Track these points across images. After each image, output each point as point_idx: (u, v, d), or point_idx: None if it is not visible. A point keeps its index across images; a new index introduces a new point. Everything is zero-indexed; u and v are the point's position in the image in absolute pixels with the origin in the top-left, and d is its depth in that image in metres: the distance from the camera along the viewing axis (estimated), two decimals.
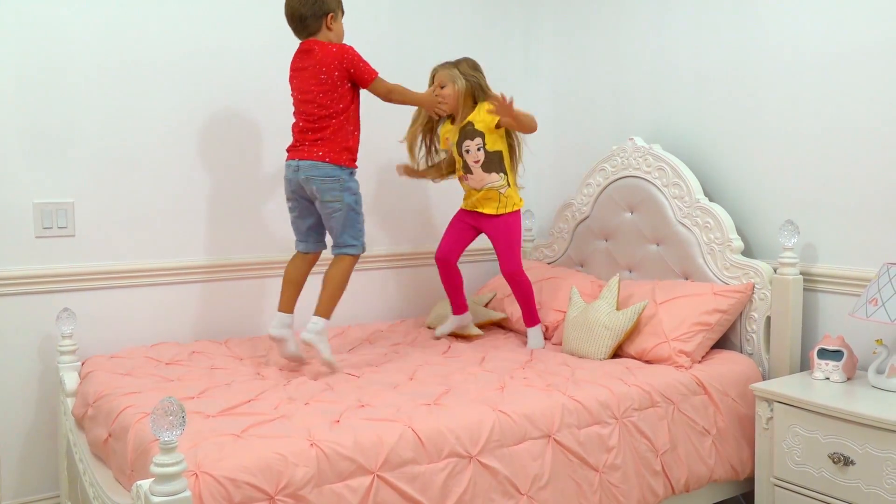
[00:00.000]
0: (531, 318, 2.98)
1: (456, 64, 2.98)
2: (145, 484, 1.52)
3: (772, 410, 2.41)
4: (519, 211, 2.99)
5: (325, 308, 2.56)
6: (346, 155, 2.58)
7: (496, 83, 3.76)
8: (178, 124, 2.96)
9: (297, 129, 2.62)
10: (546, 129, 3.84)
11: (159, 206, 2.95)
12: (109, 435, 2.08)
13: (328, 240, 2.70)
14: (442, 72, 2.96)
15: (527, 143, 3.07)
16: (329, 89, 2.54)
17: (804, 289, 2.69)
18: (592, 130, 3.58)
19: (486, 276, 3.79)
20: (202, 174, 3.03)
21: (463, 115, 2.94)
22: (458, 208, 3.09)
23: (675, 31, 3.16)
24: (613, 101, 3.47)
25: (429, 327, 3.26)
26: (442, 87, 2.93)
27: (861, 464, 2.16)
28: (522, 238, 3.76)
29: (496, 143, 2.91)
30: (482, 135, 2.89)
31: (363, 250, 2.65)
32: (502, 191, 2.93)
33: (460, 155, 2.95)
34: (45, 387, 2.77)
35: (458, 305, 3.04)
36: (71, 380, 2.54)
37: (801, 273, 2.68)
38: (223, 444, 1.78)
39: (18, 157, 2.68)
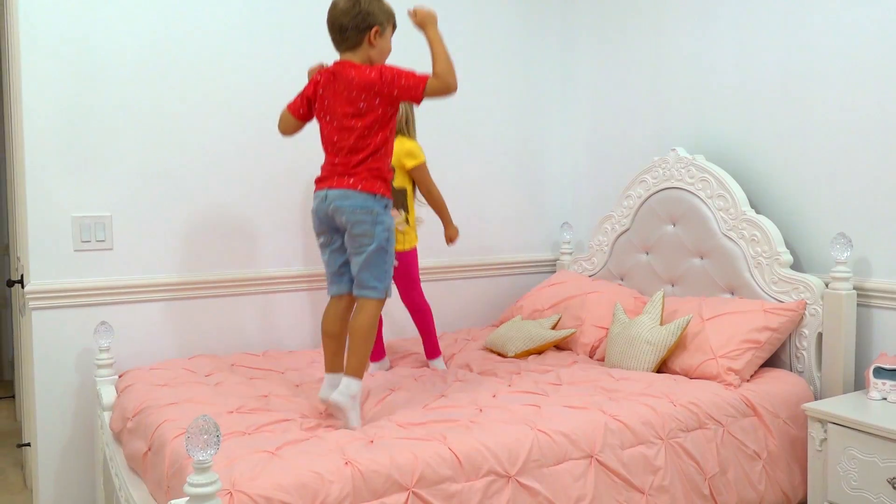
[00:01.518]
0: (433, 349, 2.84)
1: None
2: (180, 503, 1.49)
3: (825, 432, 2.30)
4: (415, 248, 2.85)
5: (355, 367, 2.17)
6: (380, 184, 2.25)
7: (534, 92, 3.75)
8: (216, 138, 2.96)
9: (327, 159, 2.30)
10: (584, 139, 3.78)
11: (196, 219, 2.94)
12: (149, 449, 2.06)
13: None
14: None
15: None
16: (364, 115, 2.22)
17: (858, 304, 2.58)
18: (632, 141, 3.51)
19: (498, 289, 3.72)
20: (239, 188, 3.02)
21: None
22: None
23: (718, 37, 3.07)
24: (654, 110, 3.39)
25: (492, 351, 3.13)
26: None
27: None
28: (560, 251, 3.72)
29: (401, 181, 2.77)
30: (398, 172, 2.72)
31: (387, 295, 2.26)
32: (401, 228, 2.76)
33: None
34: (82, 400, 2.77)
35: (378, 351, 2.81)
36: (108, 393, 2.54)
37: (854, 288, 2.57)
38: (258, 461, 1.76)
39: (57, 171, 2.70)
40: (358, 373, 2.16)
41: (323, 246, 2.33)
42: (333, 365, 2.27)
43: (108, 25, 2.76)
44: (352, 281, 2.28)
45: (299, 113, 2.35)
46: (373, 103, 2.21)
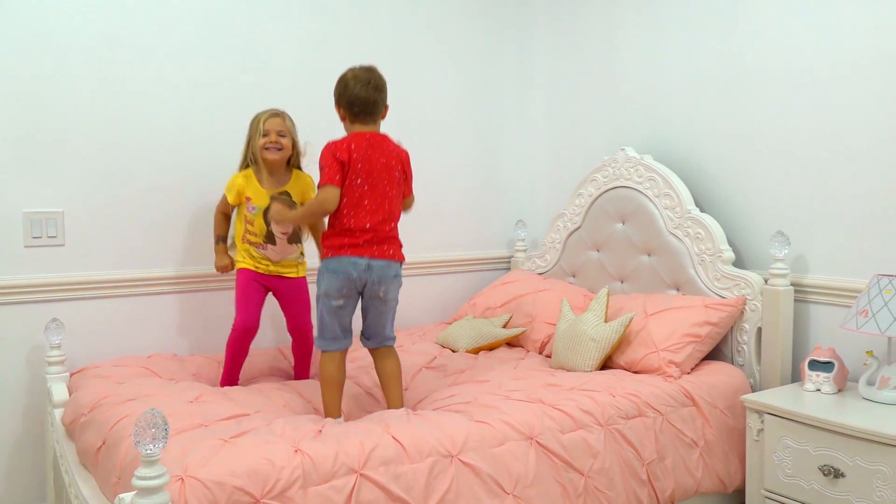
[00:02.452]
0: (306, 371, 2.82)
1: (285, 116, 2.73)
2: (127, 497, 1.51)
3: (762, 422, 2.40)
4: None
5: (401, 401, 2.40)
6: (401, 250, 2.42)
7: (491, 92, 3.80)
8: (168, 134, 2.95)
9: (360, 225, 2.31)
10: (539, 139, 3.85)
11: (150, 215, 2.94)
12: (103, 443, 2.06)
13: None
14: (278, 121, 2.68)
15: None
16: (398, 185, 2.37)
17: (795, 300, 2.69)
18: (585, 141, 3.59)
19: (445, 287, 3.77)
20: (193, 183, 3.02)
21: (278, 181, 2.72)
22: (245, 270, 2.72)
23: (668, 43, 3.17)
24: (606, 111, 3.47)
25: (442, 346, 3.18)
26: (282, 137, 2.67)
27: (851, 476, 2.15)
28: (515, 248, 3.79)
29: None
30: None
31: None
32: (300, 260, 2.80)
33: (266, 223, 2.69)
34: (32, 398, 2.75)
35: (235, 378, 2.69)
36: (59, 390, 2.52)
37: (791, 284, 2.68)
38: (210, 449, 1.80)
39: (8, 165, 2.68)
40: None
41: (342, 308, 2.35)
42: (340, 411, 2.35)
43: (62, 20, 2.73)
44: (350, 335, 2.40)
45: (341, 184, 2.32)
46: (403, 177, 2.41)
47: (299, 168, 2.79)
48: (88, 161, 2.81)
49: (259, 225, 2.70)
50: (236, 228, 2.78)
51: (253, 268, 2.73)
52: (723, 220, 2.92)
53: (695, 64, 3.06)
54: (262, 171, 2.71)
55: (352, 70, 2.40)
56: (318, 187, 2.34)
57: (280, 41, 3.18)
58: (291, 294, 2.78)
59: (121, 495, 1.54)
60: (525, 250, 3.78)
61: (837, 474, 2.18)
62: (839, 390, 2.44)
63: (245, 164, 2.75)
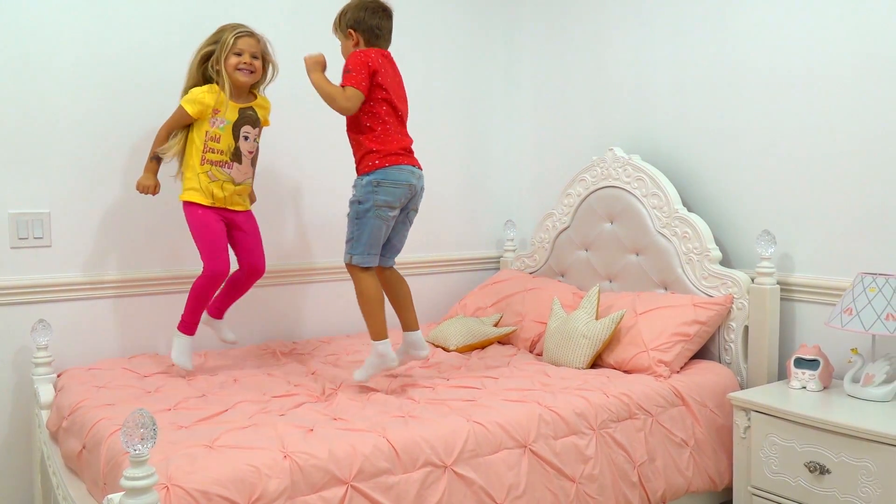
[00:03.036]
0: (223, 311, 2.73)
1: (259, 37, 2.64)
2: (116, 498, 1.50)
3: (749, 420, 2.42)
4: None
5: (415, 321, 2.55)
6: None
7: (478, 92, 3.81)
8: (155, 134, 2.93)
9: (404, 133, 2.47)
10: (528, 139, 3.86)
11: (136, 216, 2.92)
12: (83, 447, 2.05)
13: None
14: (253, 41, 2.60)
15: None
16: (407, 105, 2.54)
17: (781, 298, 2.71)
18: (573, 141, 3.60)
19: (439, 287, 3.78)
20: (180, 185, 3.00)
21: (244, 99, 2.64)
22: (199, 206, 2.58)
23: (655, 43, 3.18)
24: (594, 112, 3.49)
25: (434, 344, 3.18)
26: (255, 59, 2.60)
27: (836, 472, 2.17)
28: (504, 248, 3.80)
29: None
30: (260, 127, 2.68)
31: None
32: (252, 186, 2.74)
33: (234, 139, 2.59)
34: (19, 399, 2.73)
35: (196, 323, 2.63)
36: (46, 392, 2.51)
37: (778, 283, 2.70)
38: (195, 455, 1.77)
39: None
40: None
41: (391, 220, 2.43)
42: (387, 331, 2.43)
43: (47, 19, 2.72)
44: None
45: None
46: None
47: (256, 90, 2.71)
48: (75, 162, 2.80)
49: (227, 140, 2.57)
50: (190, 150, 2.58)
51: (209, 202, 2.58)
52: (710, 219, 2.94)
53: (682, 65, 3.08)
54: (227, 89, 2.57)
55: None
56: (343, 87, 2.35)
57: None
58: (247, 227, 2.68)
59: (109, 496, 1.53)
60: (514, 250, 3.79)
61: (823, 471, 2.20)
62: (824, 388, 2.46)
63: (200, 80, 2.59)
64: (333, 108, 2.38)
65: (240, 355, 2.92)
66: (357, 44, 2.47)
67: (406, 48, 3.55)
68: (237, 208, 2.67)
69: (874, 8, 2.47)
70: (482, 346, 3.09)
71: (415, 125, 3.68)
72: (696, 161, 3.04)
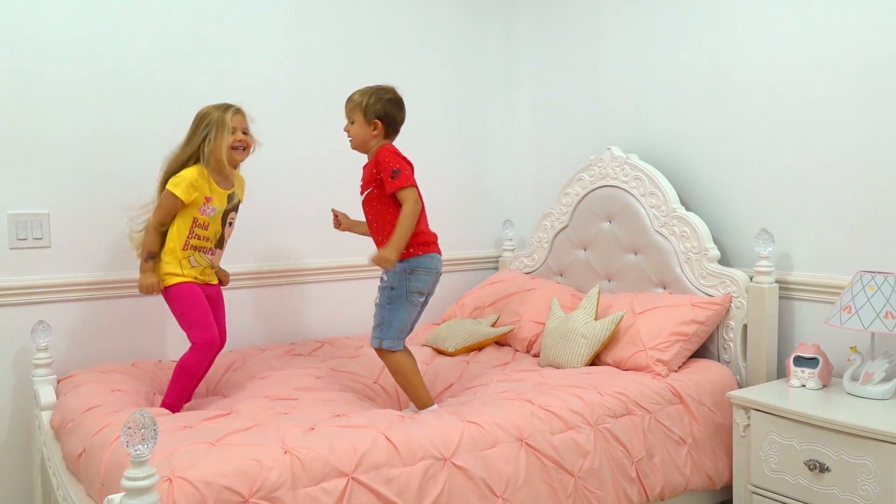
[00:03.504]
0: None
1: (244, 112, 2.59)
2: (116, 498, 1.50)
3: (749, 418, 2.42)
4: None
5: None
6: None
7: (476, 92, 3.82)
8: (154, 135, 2.93)
9: (427, 223, 2.55)
10: (526, 139, 3.87)
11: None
12: (84, 450, 2.05)
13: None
14: (243, 118, 2.57)
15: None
16: None
17: (780, 297, 2.71)
18: (571, 140, 3.61)
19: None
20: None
21: (228, 182, 2.58)
22: (190, 283, 2.51)
23: (653, 42, 3.19)
24: (592, 111, 3.49)
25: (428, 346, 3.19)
26: (245, 135, 2.57)
27: (836, 470, 2.18)
28: (503, 248, 3.80)
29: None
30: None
31: None
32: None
33: (221, 226, 2.58)
34: (19, 400, 2.73)
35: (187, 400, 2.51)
36: (46, 393, 2.51)
37: (776, 281, 2.71)
38: (198, 451, 1.79)
39: None
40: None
41: (420, 305, 2.50)
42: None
43: (45, 20, 2.72)
44: None
45: None
46: None
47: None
48: (73, 162, 2.80)
49: (214, 228, 2.54)
50: (173, 236, 2.50)
51: (194, 279, 2.52)
52: (708, 218, 2.94)
53: (679, 64, 3.08)
54: (217, 171, 2.51)
55: (394, 91, 2.52)
56: (402, 188, 2.38)
57: (264, 42, 3.18)
58: (219, 302, 2.66)
59: (110, 496, 1.53)
60: (513, 250, 3.79)
61: (823, 469, 2.20)
62: (824, 386, 2.47)
63: (188, 162, 2.51)
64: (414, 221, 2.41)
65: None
66: (376, 133, 2.48)
67: (405, 48, 3.56)
68: (212, 282, 2.63)
69: (873, 7, 2.47)
70: (480, 346, 3.09)
71: (413, 125, 3.69)
72: (694, 160, 3.04)
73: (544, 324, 3.02)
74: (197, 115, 2.53)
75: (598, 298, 2.85)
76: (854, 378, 2.40)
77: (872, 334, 2.39)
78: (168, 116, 2.96)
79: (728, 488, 2.59)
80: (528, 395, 2.32)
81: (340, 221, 2.74)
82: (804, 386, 2.47)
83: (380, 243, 2.47)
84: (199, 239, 2.52)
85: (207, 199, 2.50)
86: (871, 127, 2.49)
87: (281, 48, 3.22)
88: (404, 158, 2.47)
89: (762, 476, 2.38)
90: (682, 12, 3.06)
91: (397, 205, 2.42)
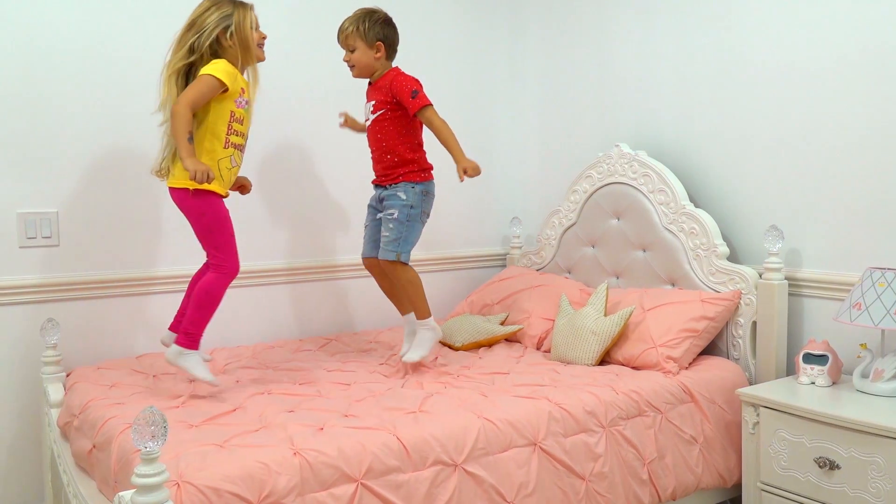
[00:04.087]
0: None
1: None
2: (127, 495, 1.51)
3: (758, 415, 2.41)
4: None
5: None
6: None
7: (483, 89, 3.81)
8: (162, 133, 2.94)
9: None
10: (533, 136, 3.86)
11: (144, 215, 2.93)
12: (94, 446, 2.06)
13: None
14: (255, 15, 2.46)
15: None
16: None
17: (789, 294, 2.70)
18: (579, 138, 3.60)
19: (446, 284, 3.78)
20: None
21: (253, 78, 2.50)
22: (217, 196, 2.38)
23: (660, 39, 3.17)
24: (599, 108, 3.48)
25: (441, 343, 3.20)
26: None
27: (846, 468, 2.17)
28: (511, 245, 3.80)
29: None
30: None
31: None
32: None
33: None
34: (28, 398, 2.74)
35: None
36: (55, 391, 2.52)
37: (786, 278, 2.69)
38: (205, 453, 1.78)
39: (1, 166, 2.67)
40: None
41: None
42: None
43: (53, 19, 2.73)
44: None
45: None
46: None
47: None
48: (82, 161, 2.81)
49: (248, 123, 2.39)
50: (209, 132, 2.30)
51: (224, 193, 2.39)
52: (717, 215, 2.93)
53: (687, 59, 3.07)
54: (243, 64, 2.37)
55: (383, 11, 2.68)
56: (424, 107, 2.59)
57: (271, 44, 3.15)
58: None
59: (120, 493, 1.54)
60: (521, 247, 3.79)
61: (833, 466, 2.19)
62: (833, 383, 2.45)
63: (206, 55, 2.30)
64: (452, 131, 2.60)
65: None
66: (379, 56, 2.65)
67: (411, 45, 3.54)
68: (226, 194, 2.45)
69: (880, 0, 2.46)
70: (489, 343, 3.09)
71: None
72: (702, 156, 3.03)
73: (554, 320, 3.01)
74: (203, 9, 2.33)
75: (607, 294, 2.84)
76: (864, 375, 2.38)
77: (883, 331, 2.38)
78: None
79: (739, 486, 2.58)
80: (545, 392, 2.31)
81: (346, 119, 2.93)
82: (814, 383, 2.46)
83: (386, 162, 2.67)
84: (237, 135, 2.35)
85: (242, 90, 2.33)
86: (882, 123, 2.48)
87: (286, 50, 3.22)
88: (414, 78, 2.64)
89: (772, 473, 2.37)
90: (689, 8, 3.05)
91: (406, 125, 2.64)
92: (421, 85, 2.63)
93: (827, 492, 2.22)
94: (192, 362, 2.29)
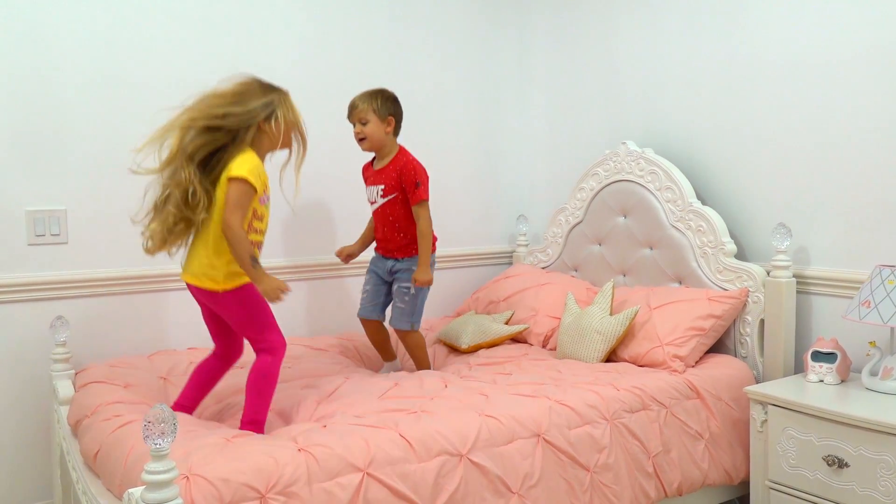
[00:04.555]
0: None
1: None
2: (137, 492, 1.51)
3: (766, 413, 2.41)
4: None
5: None
6: None
7: (490, 87, 3.81)
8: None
9: None
10: (540, 134, 3.86)
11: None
12: (99, 449, 2.07)
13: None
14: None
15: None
16: None
17: (797, 291, 2.69)
18: (585, 135, 3.59)
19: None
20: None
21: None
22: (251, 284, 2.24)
23: (667, 36, 3.17)
24: (606, 105, 3.48)
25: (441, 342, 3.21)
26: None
27: (855, 466, 2.16)
28: (517, 243, 3.80)
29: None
30: None
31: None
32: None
33: None
34: (38, 395, 2.75)
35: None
36: (64, 388, 2.53)
37: (794, 276, 2.69)
38: (213, 448, 1.80)
39: (10, 164, 2.68)
40: None
41: None
42: None
43: (61, 17, 2.73)
44: None
45: None
46: None
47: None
48: (91, 159, 2.81)
49: (267, 220, 2.28)
50: (217, 230, 2.17)
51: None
52: (724, 212, 2.93)
53: (695, 56, 3.06)
54: (273, 150, 2.28)
55: (391, 91, 2.82)
56: (421, 202, 2.77)
57: (277, 37, 3.18)
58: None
59: (130, 490, 1.54)
60: (527, 245, 3.79)
61: (841, 464, 2.19)
62: (842, 381, 2.45)
63: (239, 142, 2.17)
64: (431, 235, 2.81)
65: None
66: (389, 130, 2.79)
67: (419, 44, 3.55)
68: None
69: None
70: (494, 344, 3.08)
71: (428, 121, 3.70)
72: (710, 154, 3.02)
73: (560, 319, 3.01)
74: (249, 86, 2.20)
75: (613, 293, 2.84)
76: (873, 373, 2.38)
77: (892, 329, 2.37)
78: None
79: (746, 483, 2.57)
80: (546, 390, 2.31)
81: (348, 254, 3.01)
82: (822, 381, 2.45)
83: (398, 241, 2.82)
84: (256, 233, 2.21)
85: (266, 187, 2.21)
86: (891, 119, 2.47)
87: (296, 49, 3.22)
88: (423, 167, 2.80)
89: (780, 471, 2.36)
90: (696, 4, 3.04)
91: (412, 223, 2.80)
92: (427, 177, 2.80)
93: (836, 490, 2.21)
94: None
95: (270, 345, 2.19)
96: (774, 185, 2.81)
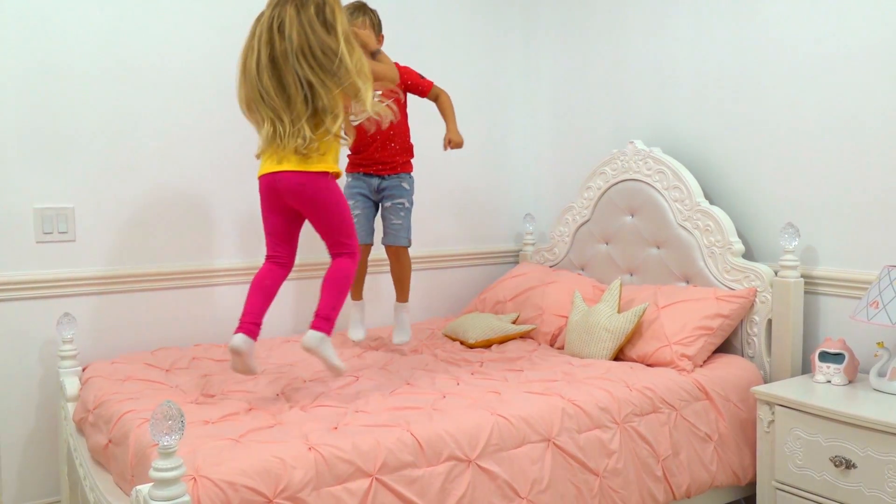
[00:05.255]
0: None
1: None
2: (144, 489, 1.52)
3: (773, 414, 2.40)
4: None
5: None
6: None
7: (497, 86, 3.81)
8: (178, 128, 2.96)
9: None
10: (547, 133, 3.85)
11: (160, 210, 2.95)
12: (109, 441, 2.08)
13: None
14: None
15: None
16: None
17: (805, 291, 2.68)
18: (592, 134, 3.58)
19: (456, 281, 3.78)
20: (203, 180, 3.03)
21: None
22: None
23: (675, 33, 3.16)
24: (613, 104, 3.47)
25: (447, 336, 3.21)
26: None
27: (863, 467, 2.15)
28: (523, 242, 3.79)
29: None
30: None
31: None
32: None
33: None
34: (45, 392, 2.77)
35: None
36: (71, 385, 2.54)
37: (801, 276, 2.68)
38: (221, 448, 1.78)
39: (18, 162, 2.69)
40: None
41: None
42: None
43: (69, 14, 2.74)
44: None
45: None
46: None
47: None
48: (98, 157, 2.82)
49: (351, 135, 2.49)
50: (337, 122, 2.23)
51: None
52: (732, 212, 2.92)
53: (702, 55, 3.05)
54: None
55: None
56: (433, 86, 2.89)
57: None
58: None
59: (138, 487, 1.55)
60: (533, 244, 3.78)
61: (849, 465, 2.18)
62: (850, 381, 2.44)
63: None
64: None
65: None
66: (377, 49, 2.69)
67: (425, 43, 3.55)
68: None
69: None
70: (501, 341, 3.08)
71: (435, 119, 3.69)
72: (717, 153, 3.02)
73: (567, 317, 3.01)
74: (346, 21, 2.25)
75: (621, 291, 2.83)
76: (881, 374, 2.36)
77: None
78: (192, 111, 2.98)
79: (753, 484, 2.56)
80: (558, 387, 2.31)
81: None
82: (829, 382, 2.45)
83: (390, 150, 2.82)
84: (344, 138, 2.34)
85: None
86: None
87: None
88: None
89: (787, 472, 2.36)
90: (704, 4, 3.03)
91: (405, 113, 2.85)
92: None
93: (843, 491, 2.20)
94: (332, 350, 2.26)
95: (354, 249, 2.35)
96: (782, 184, 2.80)
